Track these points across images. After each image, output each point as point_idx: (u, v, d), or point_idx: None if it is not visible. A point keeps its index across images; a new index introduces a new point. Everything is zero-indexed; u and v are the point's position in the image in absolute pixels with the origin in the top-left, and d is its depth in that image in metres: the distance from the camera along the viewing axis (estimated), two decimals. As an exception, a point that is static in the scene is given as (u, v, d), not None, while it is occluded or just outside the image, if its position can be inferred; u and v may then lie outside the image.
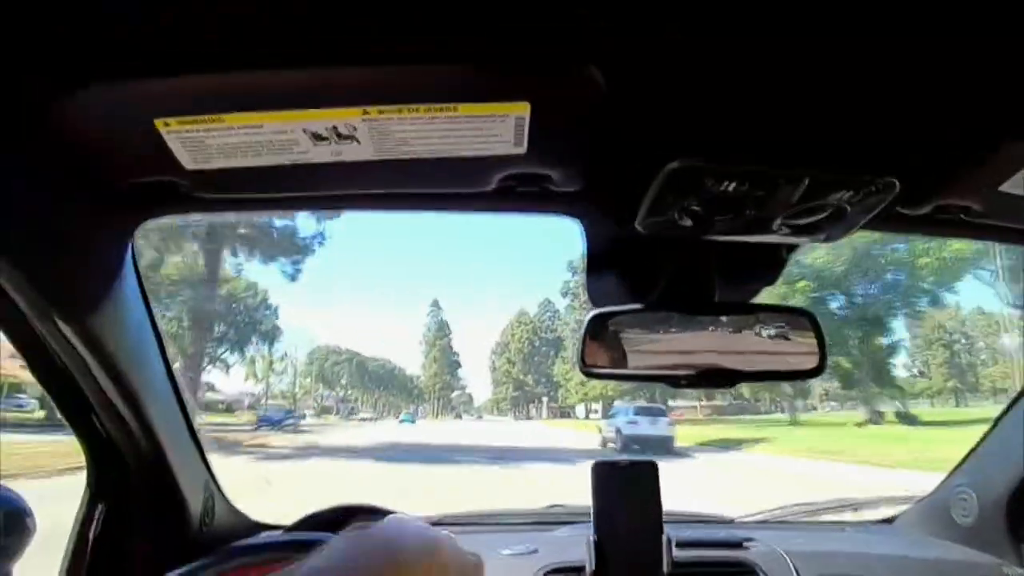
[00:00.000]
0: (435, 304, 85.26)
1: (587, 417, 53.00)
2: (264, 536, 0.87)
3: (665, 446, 18.44)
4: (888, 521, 1.74)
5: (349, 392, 71.32)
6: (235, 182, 0.75)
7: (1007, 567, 1.35)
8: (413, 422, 47.69)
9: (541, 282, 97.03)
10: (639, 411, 20.65)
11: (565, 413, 62.14)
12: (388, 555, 0.54)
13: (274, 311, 36.91)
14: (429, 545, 0.56)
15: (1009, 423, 1.41)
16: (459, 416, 76.51)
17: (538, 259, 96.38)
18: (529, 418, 67.64)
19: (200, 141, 0.65)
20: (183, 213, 0.87)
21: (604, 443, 21.30)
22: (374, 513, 0.96)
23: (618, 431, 19.95)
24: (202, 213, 0.87)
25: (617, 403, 24.01)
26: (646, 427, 19.31)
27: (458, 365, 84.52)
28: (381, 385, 74.25)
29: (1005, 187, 0.79)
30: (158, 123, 0.62)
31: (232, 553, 0.81)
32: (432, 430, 33.29)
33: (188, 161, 0.69)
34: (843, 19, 0.55)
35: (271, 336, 37.31)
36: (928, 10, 0.53)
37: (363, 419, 48.36)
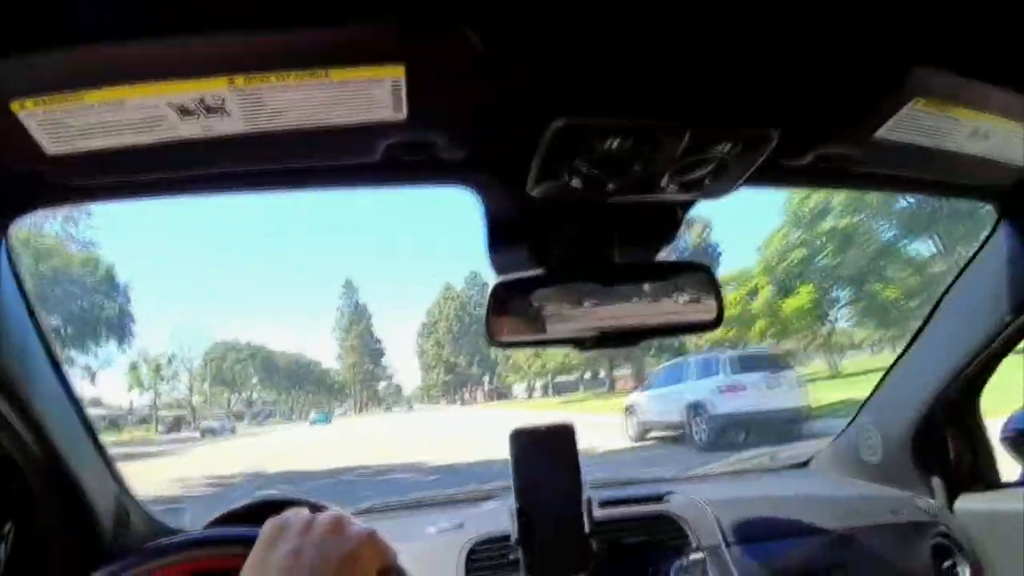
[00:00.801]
0: (348, 285, 76.85)
1: (529, 397, 51.78)
2: (181, 536, 0.84)
3: (798, 423, 10.45)
4: (803, 464, 1.82)
5: (259, 393, 63.47)
6: (103, 166, 0.71)
7: (918, 499, 1.44)
8: (328, 421, 42.12)
9: (465, 251, 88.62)
10: (746, 363, 11.33)
11: (502, 394, 59.01)
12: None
13: (124, 292, 30.20)
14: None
15: (908, 360, 1.50)
16: (389, 408, 71.61)
17: (458, 224, 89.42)
18: (464, 403, 63.01)
19: (59, 122, 0.61)
20: (53, 205, 0.82)
21: (643, 432, 12.60)
22: (291, 504, 0.95)
23: (695, 409, 10.96)
24: (74, 203, 0.82)
25: (675, 360, 14.13)
26: (762, 393, 10.58)
27: (381, 352, 77.07)
28: (295, 383, 66.72)
29: (881, 133, 0.82)
30: (14, 105, 0.58)
31: (148, 554, 0.78)
32: (350, 430, 27.98)
33: (49, 145, 0.64)
34: None
35: (122, 328, 30.61)
36: None
37: (209, 428, 37.39)
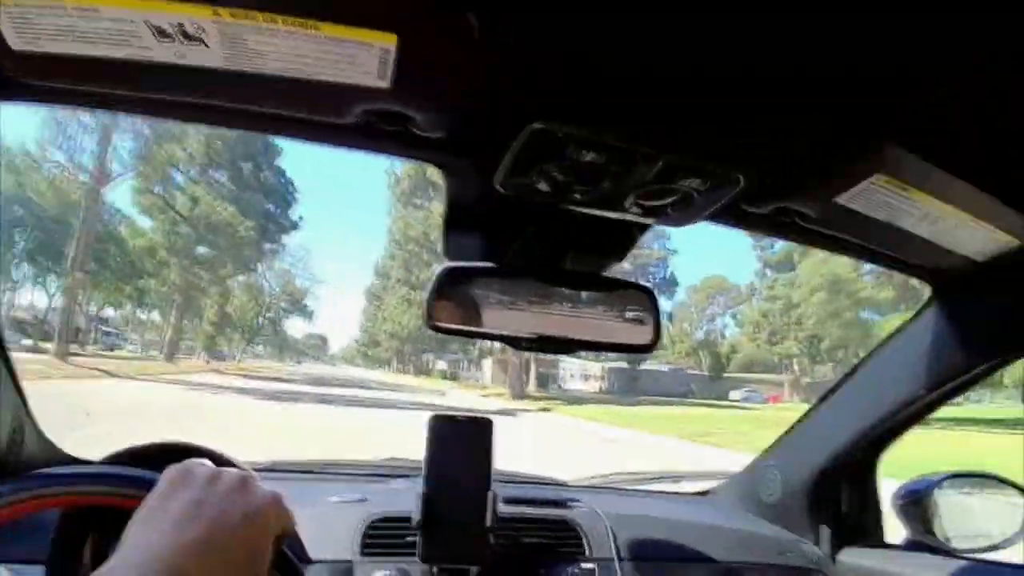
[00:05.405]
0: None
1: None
2: (73, 467, 0.80)
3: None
4: (703, 494, 1.88)
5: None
6: (66, 72, 0.67)
7: (806, 544, 1.50)
8: None
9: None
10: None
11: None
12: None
13: None
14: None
15: (821, 411, 1.55)
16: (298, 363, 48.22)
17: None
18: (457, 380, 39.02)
19: (29, 19, 0.58)
20: (10, 101, 0.78)
21: None
22: (196, 453, 0.93)
23: None
24: (28, 103, 0.78)
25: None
26: None
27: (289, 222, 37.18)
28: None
29: (841, 199, 0.85)
30: None
31: (35, 480, 0.74)
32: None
33: (14, 40, 0.61)
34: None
35: None
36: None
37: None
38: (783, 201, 0.89)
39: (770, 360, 41.67)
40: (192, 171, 33.61)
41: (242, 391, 19.73)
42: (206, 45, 0.60)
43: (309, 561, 1.11)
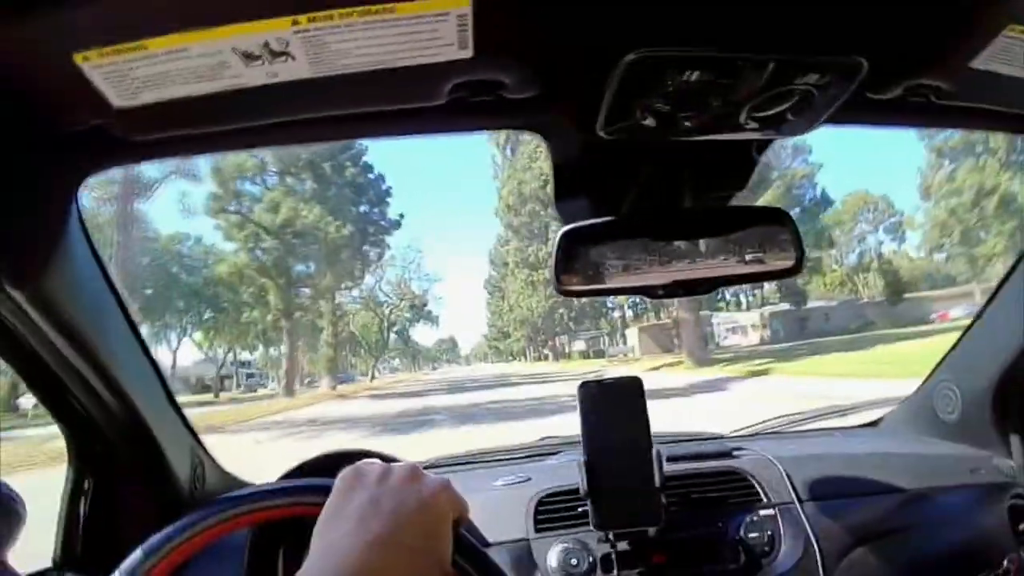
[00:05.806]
0: None
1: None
2: (256, 486, 0.85)
3: None
4: (874, 424, 1.77)
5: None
6: (169, 118, 0.71)
7: (997, 459, 1.39)
8: None
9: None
10: None
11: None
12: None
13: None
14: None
15: (990, 316, 1.42)
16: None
17: None
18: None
19: (124, 73, 0.61)
20: (123, 162, 0.83)
21: None
22: (362, 456, 0.96)
23: None
24: (142, 160, 0.83)
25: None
26: None
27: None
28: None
29: (977, 62, 0.76)
30: (77, 57, 0.58)
31: (224, 503, 0.79)
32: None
33: (115, 97, 0.64)
34: None
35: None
36: None
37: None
38: (912, 78, 0.80)
39: (942, 272, 37.08)
40: (269, 179, 30.35)
41: (353, 424, 15.44)
42: (293, 58, 0.61)
43: (487, 544, 1.13)
